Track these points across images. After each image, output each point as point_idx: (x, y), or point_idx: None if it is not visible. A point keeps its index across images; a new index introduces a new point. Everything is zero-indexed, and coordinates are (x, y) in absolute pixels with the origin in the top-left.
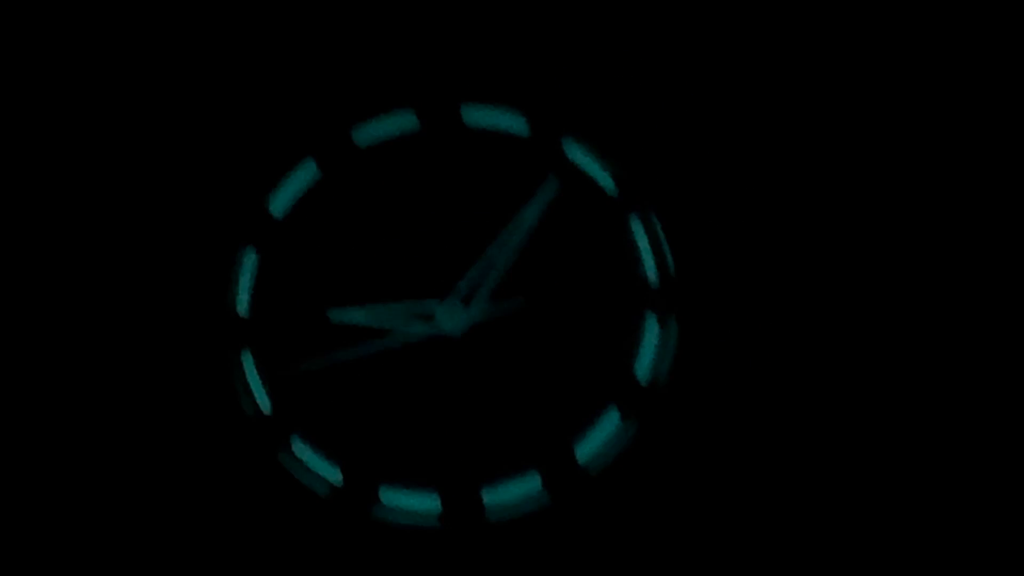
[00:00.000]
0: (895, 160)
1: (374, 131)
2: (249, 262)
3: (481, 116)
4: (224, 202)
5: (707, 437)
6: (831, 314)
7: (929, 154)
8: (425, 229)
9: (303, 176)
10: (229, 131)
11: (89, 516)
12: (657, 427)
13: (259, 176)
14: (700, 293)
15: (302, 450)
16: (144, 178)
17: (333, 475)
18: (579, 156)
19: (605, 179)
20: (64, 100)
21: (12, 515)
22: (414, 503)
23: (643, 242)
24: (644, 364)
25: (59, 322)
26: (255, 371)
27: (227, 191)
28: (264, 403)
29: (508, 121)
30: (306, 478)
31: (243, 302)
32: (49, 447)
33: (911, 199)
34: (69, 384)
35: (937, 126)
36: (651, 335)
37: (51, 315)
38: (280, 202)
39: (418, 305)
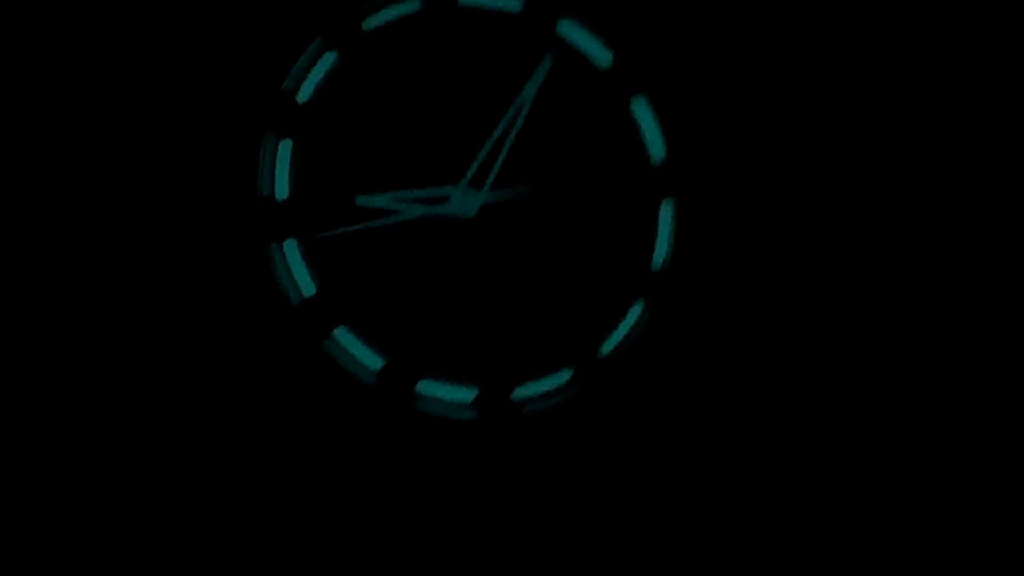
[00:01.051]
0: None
1: (381, 16)
2: (284, 149)
3: None
4: (249, 90)
5: (715, 318)
6: (836, 207)
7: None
8: (435, 111)
9: (323, 62)
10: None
11: (135, 404)
12: (670, 310)
13: (278, 64)
14: (702, 174)
15: (346, 338)
16: (169, 76)
17: (375, 363)
18: (575, 34)
19: (602, 57)
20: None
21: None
22: (452, 394)
23: (645, 123)
24: (660, 250)
25: (99, 218)
26: (299, 257)
27: (250, 81)
28: (308, 288)
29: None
30: (350, 365)
31: (282, 188)
32: (98, 339)
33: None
34: (113, 281)
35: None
36: (665, 220)
37: (93, 210)
38: (305, 89)
39: (436, 190)
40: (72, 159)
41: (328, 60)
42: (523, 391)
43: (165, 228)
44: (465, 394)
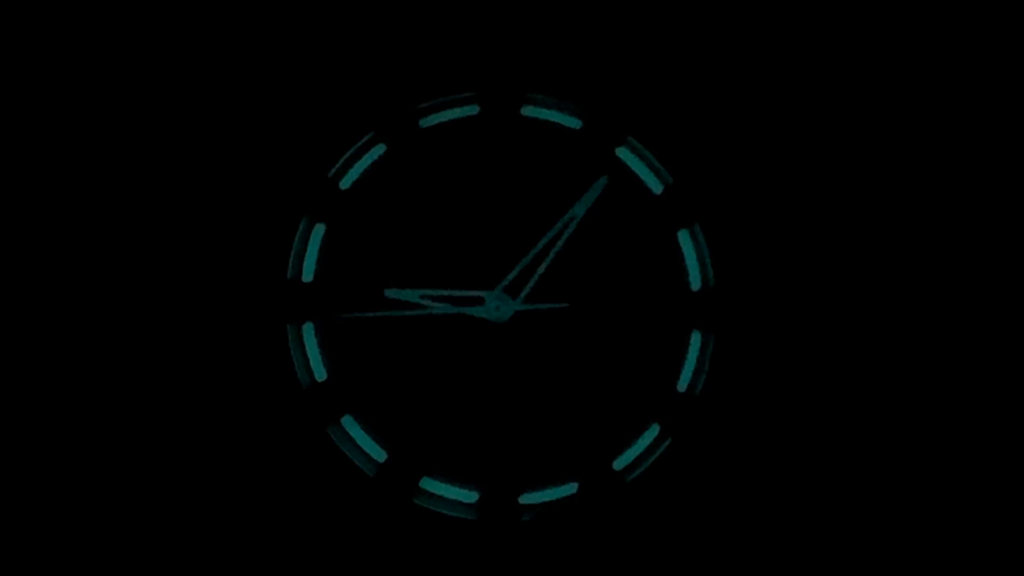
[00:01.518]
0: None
1: (438, 115)
2: (317, 233)
3: (539, 109)
4: (291, 174)
5: (733, 449)
6: (877, 332)
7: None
8: (477, 213)
9: (371, 153)
10: (298, 106)
11: (140, 471)
12: (692, 437)
13: (328, 151)
14: (742, 306)
15: (352, 427)
16: (221, 153)
17: (379, 455)
18: (631, 158)
19: (655, 184)
20: (139, 69)
21: (61, 485)
22: (454, 494)
23: (689, 252)
24: (686, 377)
25: (124, 285)
26: (315, 340)
27: (295, 164)
28: (320, 373)
29: (564, 116)
30: (353, 454)
31: (309, 271)
32: (105, 406)
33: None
34: (131, 347)
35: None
36: (694, 348)
37: (119, 278)
38: (349, 177)
39: (468, 292)
40: (112, 223)
41: (377, 152)
42: (528, 498)
43: (193, 299)
44: (468, 495)
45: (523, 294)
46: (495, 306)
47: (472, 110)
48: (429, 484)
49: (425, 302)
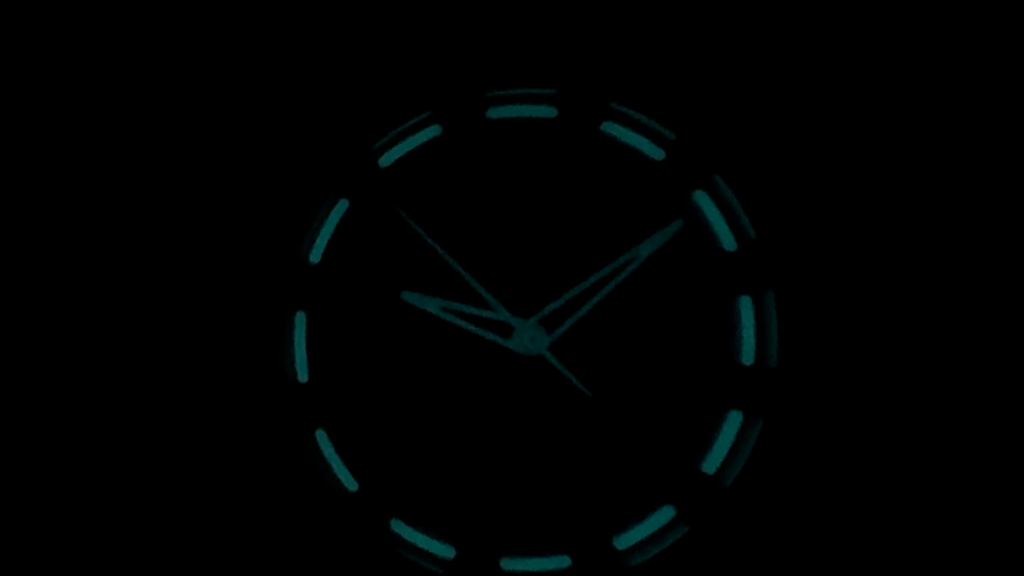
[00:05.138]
0: None
1: (509, 108)
2: (338, 210)
3: (622, 129)
4: (329, 144)
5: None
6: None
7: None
8: (530, 228)
9: (422, 133)
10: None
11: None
12: (714, 528)
13: (374, 122)
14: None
15: (325, 443)
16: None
17: (350, 483)
18: (709, 204)
19: (729, 240)
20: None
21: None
22: (426, 544)
23: (748, 322)
24: (715, 459)
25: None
26: (303, 335)
27: (337, 134)
28: (302, 374)
29: (648, 144)
30: (324, 471)
31: (318, 251)
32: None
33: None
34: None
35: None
36: (730, 429)
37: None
38: (391, 153)
39: (499, 316)
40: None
41: (430, 133)
42: (510, 564)
43: (187, 273)
44: (443, 549)
45: (559, 331)
46: (529, 336)
47: (548, 111)
48: (400, 527)
49: (445, 316)
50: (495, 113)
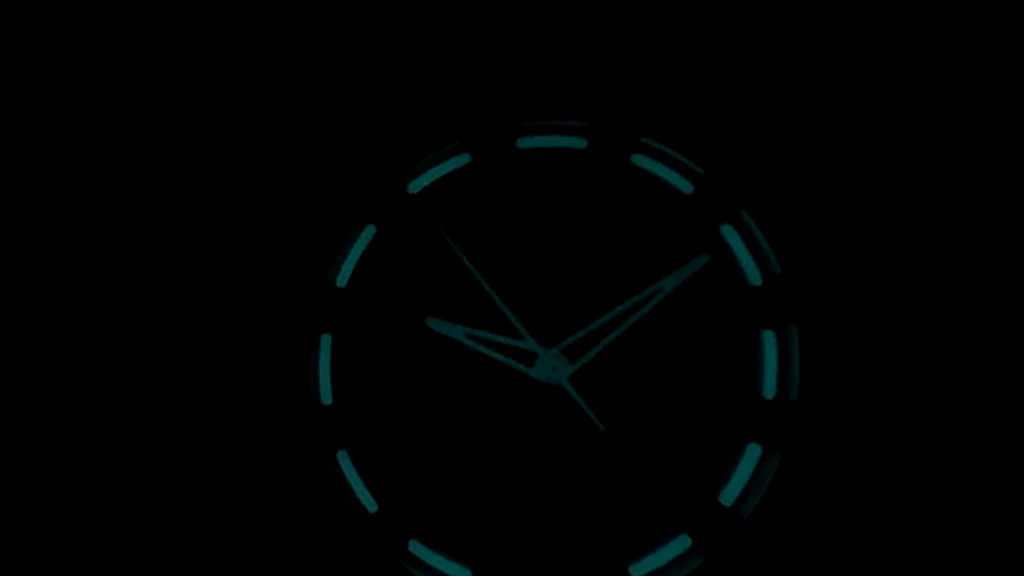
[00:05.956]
0: None
1: (540, 139)
2: (366, 235)
3: (652, 162)
4: (359, 170)
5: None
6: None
7: None
8: (556, 257)
9: (452, 160)
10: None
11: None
12: (730, 561)
13: (406, 150)
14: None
15: (346, 464)
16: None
17: (370, 504)
18: (736, 239)
19: (755, 275)
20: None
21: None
22: (442, 565)
23: (770, 356)
24: (732, 491)
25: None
26: (328, 357)
27: (367, 161)
28: (326, 396)
29: (677, 177)
30: (344, 493)
31: (345, 275)
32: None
33: None
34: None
35: None
36: (748, 461)
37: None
38: (420, 180)
39: (524, 344)
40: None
41: (459, 161)
42: None
43: (211, 289)
44: (459, 570)
45: (582, 360)
46: (551, 366)
47: (579, 143)
48: (418, 549)
49: (469, 343)
50: (525, 143)
